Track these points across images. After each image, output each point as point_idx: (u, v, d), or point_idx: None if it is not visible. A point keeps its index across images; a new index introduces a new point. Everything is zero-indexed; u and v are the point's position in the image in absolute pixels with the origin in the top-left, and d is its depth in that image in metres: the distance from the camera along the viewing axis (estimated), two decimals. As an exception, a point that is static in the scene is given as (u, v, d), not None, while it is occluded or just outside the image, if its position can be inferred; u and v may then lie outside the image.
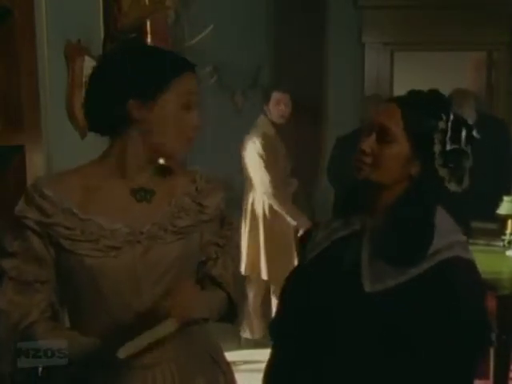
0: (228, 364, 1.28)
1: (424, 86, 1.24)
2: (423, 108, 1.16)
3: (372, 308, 1.10)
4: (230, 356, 3.18)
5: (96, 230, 1.06)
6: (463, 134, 1.15)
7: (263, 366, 1.30)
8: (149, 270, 1.09)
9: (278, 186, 3.14)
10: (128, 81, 1.06)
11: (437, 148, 1.13)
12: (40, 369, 1.11)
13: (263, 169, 3.15)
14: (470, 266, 1.12)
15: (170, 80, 1.07)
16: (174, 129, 1.09)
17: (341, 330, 1.13)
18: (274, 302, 3.29)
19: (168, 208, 1.13)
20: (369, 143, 1.17)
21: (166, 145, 1.10)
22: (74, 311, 1.13)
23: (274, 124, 3.28)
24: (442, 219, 1.15)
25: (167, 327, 1.02)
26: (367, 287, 1.11)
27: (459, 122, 1.15)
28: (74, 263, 1.06)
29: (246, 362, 3.22)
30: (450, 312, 1.07)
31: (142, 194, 1.12)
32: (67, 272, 1.07)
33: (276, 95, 3.23)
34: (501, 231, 2.81)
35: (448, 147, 1.14)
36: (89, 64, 2.00)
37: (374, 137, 1.17)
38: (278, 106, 3.23)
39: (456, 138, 1.14)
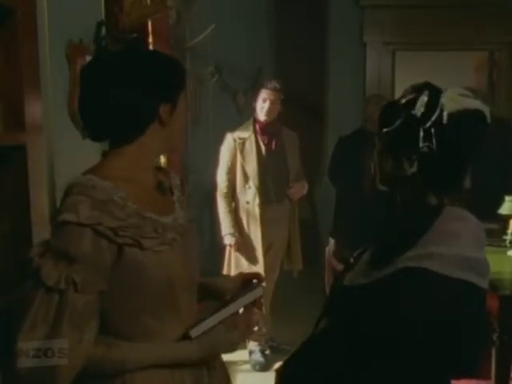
0: None
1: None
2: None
3: (343, 301, 1.19)
4: (233, 356, 3.18)
5: (157, 225, 1.08)
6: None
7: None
8: (192, 260, 1.18)
9: (226, 189, 3.14)
10: (160, 86, 1.10)
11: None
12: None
13: (220, 170, 3.17)
14: (435, 280, 1.04)
15: (185, 79, 1.16)
16: (182, 127, 1.19)
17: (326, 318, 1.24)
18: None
19: (176, 200, 1.21)
20: None
21: (178, 142, 1.20)
22: (129, 315, 1.07)
23: (258, 122, 3.18)
24: (446, 227, 1.10)
25: (255, 294, 1.21)
26: (346, 281, 1.21)
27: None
28: (149, 260, 1.04)
29: (246, 362, 3.23)
30: (386, 320, 1.05)
31: (164, 188, 1.19)
32: (138, 271, 1.04)
33: (262, 92, 3.13)
34: (502, 231, 2.80)
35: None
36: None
37: None
38: (263, 103, 3.11)
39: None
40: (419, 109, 1.12)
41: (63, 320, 0.95)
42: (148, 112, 1.09)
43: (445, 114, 1.10)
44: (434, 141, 1.10)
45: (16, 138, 1.53)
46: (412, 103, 1.13)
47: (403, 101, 1.15)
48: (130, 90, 1.07)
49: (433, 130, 1.10)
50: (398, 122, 1.14)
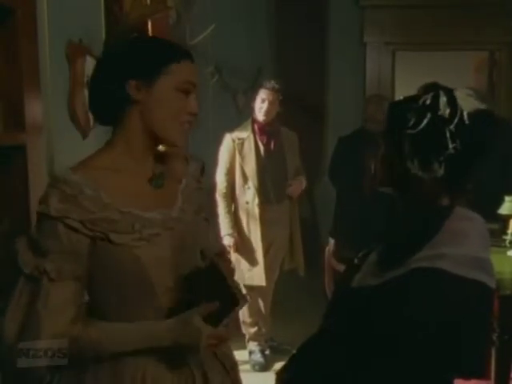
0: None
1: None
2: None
3: (350, 302, 1.17)
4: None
5: (136, 220, 1.08)
6: None
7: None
8: (183, 252, 1.14)
9: (225, 189, 3.13)
10: (129, 61, 1.10)
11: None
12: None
13: (218, 170, 3.17)
14: (449, 280, 1.04)
15: (169, 64, 1.10)
16: (168, 111, 1.11)
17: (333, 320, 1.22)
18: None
19: (182, 191, 1.19)
20: None
21: (160, 127, 1.11)
22: (112, 304, 1.10)
23: (257, 123, 3.17)
24: (456, 228, 1.10)
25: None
26: (354, 283, 1.19)
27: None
28: (121, 255, 1.06)
29: (246, 363, 3.23)
30: (400, 320, 1.05)
31: (159, 182, 1.16)
32: (112, 265, 1.07)
33: (261, 92, 3.13)
34: (502, 231, 2.80)
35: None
36: (90, 64, 2.00)
37: None
38: (261, 103, 3.11)
39: None
40: (444, 109, 1.11)
41: (38, 305, 1.02)
42: (114, 86, 1.09)
43: (465, 114, 1.11)
44: (458, 141, 1.10)
45: (16, 137, 1.53)
46: (435, 104, 1.12)
47: (428, 101, 1.13)
48: (101, 69, 1.13)
49: (456, 131, 1.10)
50: (424, 123, 1.11)
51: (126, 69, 1.09)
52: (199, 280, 1.14)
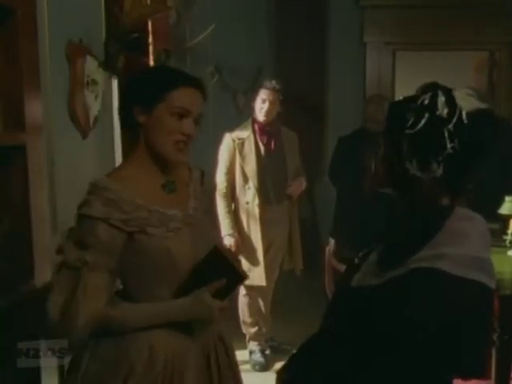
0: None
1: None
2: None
3: (351, 302, 1.18)
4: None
5: (162, 216, 1.30)
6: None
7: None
8: (200, 243, 1.36)
9: (225, 189, 3.13)
10: (135, 90, 1.35)
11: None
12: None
13: (218, 170, 3.16)
14: (449, 280, 1.04)
15: (166, 92, 1.31)
16: (162, 132, 1.31)
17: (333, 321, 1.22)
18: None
19: (192, 193, 1.42)
20: None
21: (157, 145, 1.33)
22: (143, 286, 1.32)
23: (257, 122, 3.17)
24: (456, 227, 1.10)
25: None
26: (353, 282, 1.20)
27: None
28: (154, 245, 1.28)
29: (246, 362, 3.23)
30: (400, 320, 1.05)
31: (171, 187, 1.38)
32: (147, 253, 1.28)
33: (261, 92, 3.12)
34: (502, 231, 2.80)
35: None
36: (90, 64, 2.00)
37: None
38: (261, 104, 3.10)
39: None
40: (442, 109, 1.11)
41: (78, 291, 1.22)
42: (126, 111, 1.33)
43: (464, 113, 1.11)
44: (456, 141, 1.09)
45: (16, 137, 1.54)
46: (433, 103, 1.12)
47: (426, 101, 1.13)
48: (120, 95, 1.43)
49: (454, 130, 1.10)
50: (422, 123, 1.11)
51: (133, 97, 1.33)
52: (208, 263, 1.35)
